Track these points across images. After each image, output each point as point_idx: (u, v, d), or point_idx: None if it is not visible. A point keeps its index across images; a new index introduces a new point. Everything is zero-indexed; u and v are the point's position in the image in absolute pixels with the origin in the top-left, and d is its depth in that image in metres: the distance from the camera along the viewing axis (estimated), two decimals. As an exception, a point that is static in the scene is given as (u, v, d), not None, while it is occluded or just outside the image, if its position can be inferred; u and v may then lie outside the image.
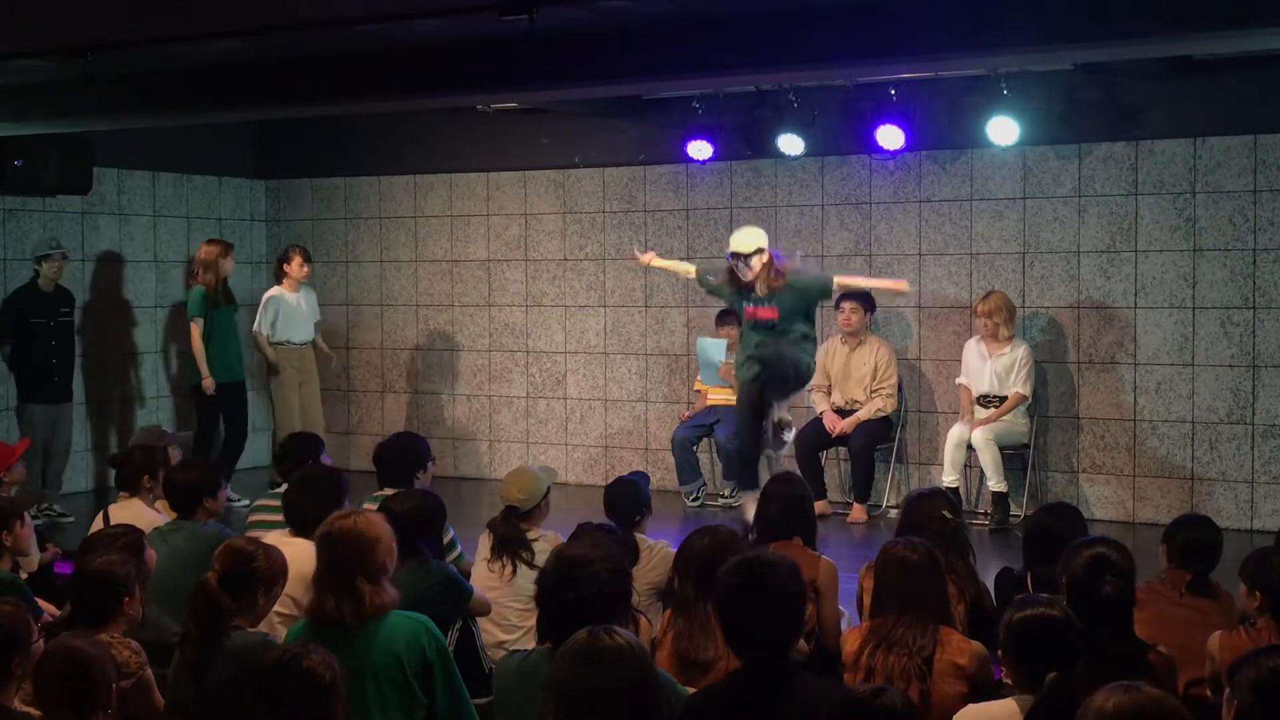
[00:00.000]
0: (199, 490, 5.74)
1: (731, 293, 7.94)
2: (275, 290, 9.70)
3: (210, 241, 9.69)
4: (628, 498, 5.81)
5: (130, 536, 4.73)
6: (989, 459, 8.46)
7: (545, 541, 5.57)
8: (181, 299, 10.76)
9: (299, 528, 5.23)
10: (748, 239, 7.73)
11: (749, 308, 7.79)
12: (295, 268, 9.67)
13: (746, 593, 3.53)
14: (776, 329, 7.72)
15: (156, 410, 10.64)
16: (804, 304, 7.81)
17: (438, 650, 4.03)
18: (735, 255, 7.70)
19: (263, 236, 11.45)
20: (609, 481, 6.20)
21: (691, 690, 4.00)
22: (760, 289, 7.69)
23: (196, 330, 9.35)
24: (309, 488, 5.39)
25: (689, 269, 8.49)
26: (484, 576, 5.59)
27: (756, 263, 7.66)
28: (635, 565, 5.39)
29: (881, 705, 3.07)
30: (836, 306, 8.85)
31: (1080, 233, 8.79)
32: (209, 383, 9.35)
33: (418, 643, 3.99)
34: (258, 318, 9.62)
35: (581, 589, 3.75)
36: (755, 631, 3.51)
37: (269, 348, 9.56)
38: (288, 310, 9.64)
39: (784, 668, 3.50)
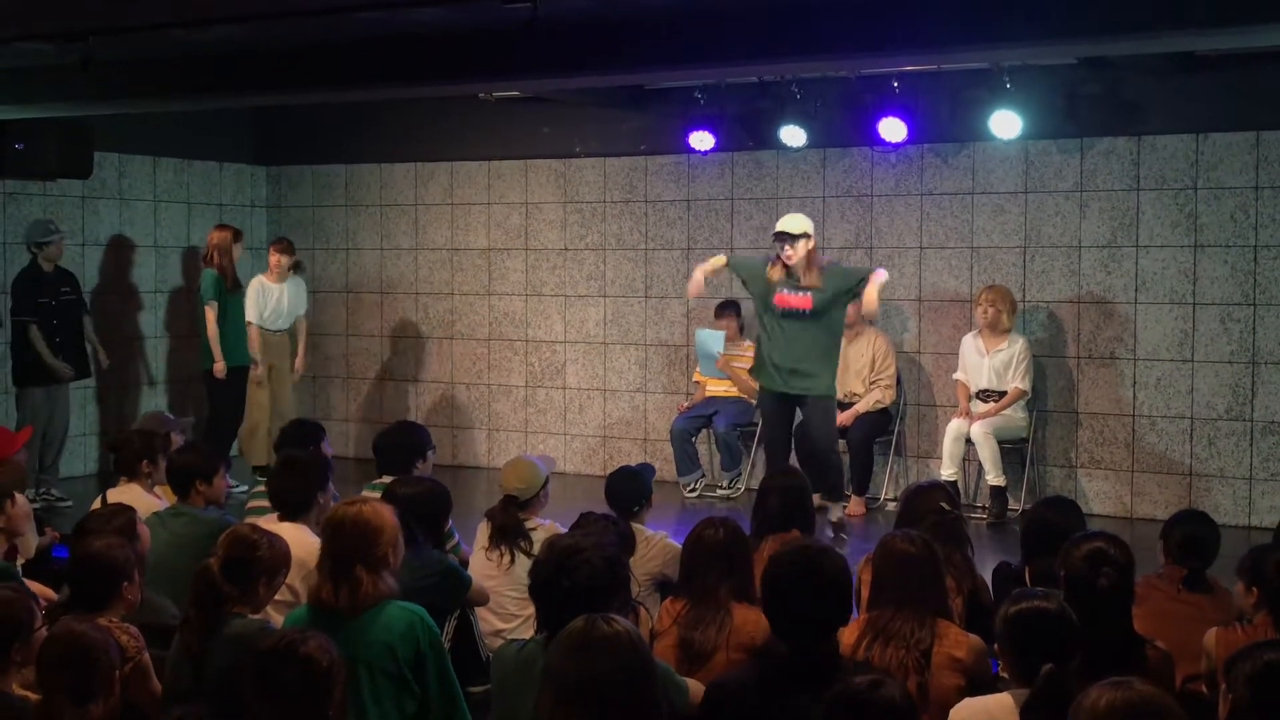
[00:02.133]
0: (191, 473, 5.74)
1: (764, 281, 7.68)
2: (258, 278, 9.79)
3: (221, 226, 9.71)
4: (628, 488, 5.81)
5: (124, 517, 4.73)
6: (987, 453, 8.47)
7: (544, 531, 5.57)
8: (182, 284, 10.77)
9: (284, 511, 5.25)
10: (796, 221, 7.63)
11: (780, 294, 7.60)
12: (272, 260, 9.77)
13: (803, 578, 3.63)
14: (807, 318, 7.57)
15: (156, 395, 10.65)
16: (837, 297, 7.62)
17: (431, 642, 4.03)
18: (782, 235, 7.57)
19: (263, 222, 11.44)
20: (608, 471, 6.19)
21: (690, 681, 4.02)
22: (800, 275, 7.53)
23: (212, 314, 9.37)
24: (292, 472, 5.39)
25: (719, 260, 8.05)
26: (482, 565, 5.59)
27: (801, 247, 7.52)
28: (632, 555, 5.39)
29: (880, 697, 3.07)
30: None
31: (1081, 227, 8.79)
32: (220, 366, 9.37)
33: (412, 633, 3.99)
34: (247, 306, 9.63)
35: (576, 577, 3.76)
36: (807, 617, 3.61)
37: (258, 340, 9.60)
38: (265, 298, 9.69)
39: (829, 654, 3.58)
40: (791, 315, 7.61)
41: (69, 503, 8.88)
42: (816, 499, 7.53)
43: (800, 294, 7.58)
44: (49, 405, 9.20)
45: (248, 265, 10.49)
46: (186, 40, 7.43)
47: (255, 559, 4.19)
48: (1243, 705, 3.08)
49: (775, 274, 7.64)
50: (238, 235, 9.62)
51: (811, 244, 7.59)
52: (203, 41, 7.48)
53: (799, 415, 7.80)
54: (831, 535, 7.48)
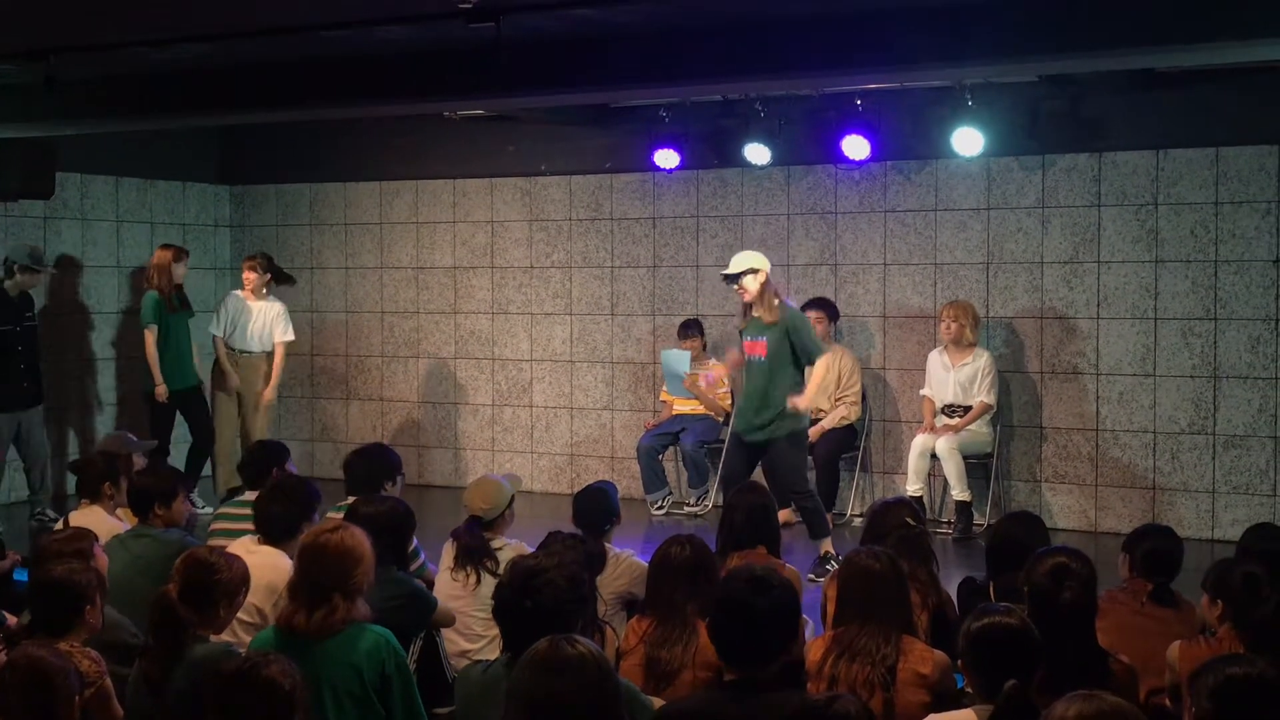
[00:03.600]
0: (150, 495, 5.69)
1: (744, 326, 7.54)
2: (235, 292, 9.65)
3: (164, 246, 9.60)
4: (596, 507, 5.79)
5: (81, 542, 4.68)
6: (952, 468, 8.49)
7: (510, 550, 5.54)
8: (138, 304, 10.69)
9: (269, 537, 5.19)
10: (735, 260, 7.45)
11: (746, 341, 7.47)
12: (245, 277, 9.62)
13: (749, 604, 3.55)
14: (765, 364, 7.35)
15: (116, 417, 10.55)
16: (789, 348, 7.37)
17: (397, 664, 4.01)
18: (726, 278, 7.46)
19: (226, 242, 11.38)
20: (574, 490, 6.17)
21: (656, 700, 4.01)
22: (759, 312, 7.35)
23: (150, 337, 9.25)
24: (282, 497, 5.33)
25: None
26: (447, 586, 5.56)
27: (750, 283, 7.33)
28: (601, 574, 5.38)
29: (835, 712, 3.07)
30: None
31: (1044, 243, 8.85)
32: (161, 390, 9.26)
33: (377, 655, 3.97)
34: (214, 317, 9.53)
35: (539, 598, 3.75)
36: (752, 643, 3.53)
37: (224, 352, 9.50)
38: (241, 316, 9.55)
39: (773, 680, 3.53)
40: (754, 361, 7.45)
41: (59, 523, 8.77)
42: (785, 515, 7.50)
43: (758, 339, 7.42)
44: (11, 429, 9.09)
45: (209, 285, 10.45)
46: (149, 59, 7.40)
47: (215, 582, 4.16)
48: (1206, 719, 3.10)
49: (745, 318, 7.50)
50: (179, 255, 9.44)
51: (762, 277, 7.35)
52: (166, 61, 7.45)
53: (764, 463, 7.53)
54: (816, 567, 7.32)
